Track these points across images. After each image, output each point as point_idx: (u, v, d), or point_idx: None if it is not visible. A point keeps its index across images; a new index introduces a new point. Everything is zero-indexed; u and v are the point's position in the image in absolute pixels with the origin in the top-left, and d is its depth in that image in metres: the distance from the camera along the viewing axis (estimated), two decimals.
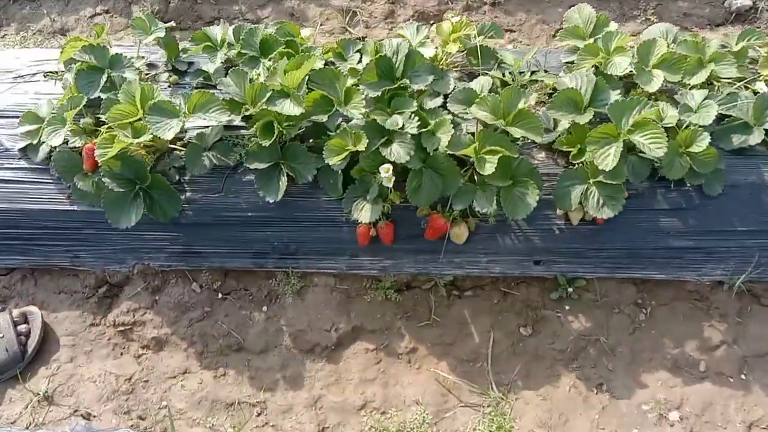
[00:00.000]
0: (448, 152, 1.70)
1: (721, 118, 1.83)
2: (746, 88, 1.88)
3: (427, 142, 1.70)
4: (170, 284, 1.92)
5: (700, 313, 1.86)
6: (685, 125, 1.76)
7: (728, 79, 1.92)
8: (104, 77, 1.90)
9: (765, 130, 1.79)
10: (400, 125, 1.69)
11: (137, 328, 1.88)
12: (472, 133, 1.79)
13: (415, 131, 1.68)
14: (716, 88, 1.92)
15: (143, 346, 1.87)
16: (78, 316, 1.91)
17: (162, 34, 2.02)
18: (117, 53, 1.96)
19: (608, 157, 1.66)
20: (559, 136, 1.81)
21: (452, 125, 1.72)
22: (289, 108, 1.72)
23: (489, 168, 1.65)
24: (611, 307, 1.88)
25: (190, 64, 2.13)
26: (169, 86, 2.04)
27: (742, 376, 1.78)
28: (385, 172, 1.66)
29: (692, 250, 1.83)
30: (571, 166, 1.78)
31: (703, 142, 1.71)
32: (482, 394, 1.75)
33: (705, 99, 1.79)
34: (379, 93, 1.75)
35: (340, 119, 1.85)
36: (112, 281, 1.94)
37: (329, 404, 1.76)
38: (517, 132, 1.71)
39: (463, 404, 1.75)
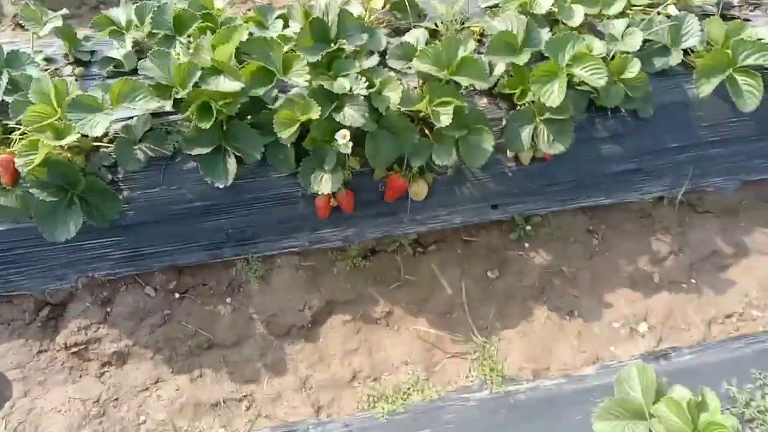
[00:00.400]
0: (402, 110, 1.67)
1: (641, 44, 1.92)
2: (659, 13, 1.98)
3: (378, 102, 1.65)
4: (121, 293, 1.77)
5: (646, 230, 1.98)
6: (612, 53, 1.83)
7: (641, 6, 2.01)
8: (4, 78, 1.68)
9: (682, 50, 1.91)
10: (348, 88, 1.63)
11: (93, 346, 1.73)
12: (415, 88, 1.78)
13: (365, 92, 1.63)
14: (630, 15, 2.01)
15: (104, 363, 1.72)
16: (22, 345, 1.72)
17: (59, 23, 1.82)
18: (13, 50, 1.74)
19: (553, 94, 1.70)
20: (499, 79, 1.83)
21: (399, 82, 1.69)
22: (226, 84, 1.60)
23: (445, 120, 1.64)
24: (567, 238, 1.96)
25: (93, 53, 1.93)
26: (76, 79, 1.84)
27: (692, 280, 1.92)
28: (342, 138, 1.60)
29: (633, 172, 1.93)
30: (516, 108, 1.81)
31: (634, 68, 1.79)
32: (467, 341, 1.78)
33: (628, 27, 1.87)
34: (319, 57, 1.67)
35: (275, 92, 1.77)
36: (54, 301, 1.76)
37: (318, 383, 1.72)
38: (463, 80, 1.70)
39: (450, 355, 1.77)
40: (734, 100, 1.81)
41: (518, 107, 1.79)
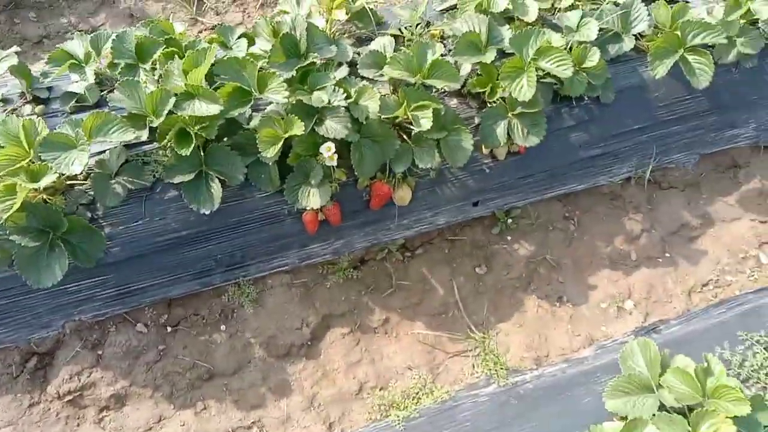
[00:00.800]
0: (382, 117, 1.68)
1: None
2: (607, 2, 2.07)
3: (357, 112, 1.66)
4: (111, 333, 1.70)
5: (618, 211, 2.06)
6: (570, 45, 1.90)
7: None
8: None
9: (633, 36, 2.00)
10: (327, 101, 1.63)
11: (87, 392, 1.66)
12: (387, 95, 1.80)
13: (344, 103, 1.63)
14: (580, 7, 2.09)
15: (102, 408, 1.65)
16: (11, 400, 1.63)
17: (14, 61, 1.74)
18: None
19: (523, 88, 1.75)
20: (467, 79, 1.87)
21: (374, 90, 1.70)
22: (203, 108, 1.57)
23: (425, 123, 1.66)
24: (546, 227, 2.01)
25: (50, 89, 1.86)
26: (38, 117, 1.76)
27: (667, 254, 2.01)
28: (328, 151, 1.60)
29: (601, 157, 2.00)
30: (488, 106, 1.85)
31: (594, 57, 1.86)
32: (466, 339, 1.80)
33: (582, 18, 1.94)
34: (294, 72, 1.67)
35: (249, 111, 1.76)
36: (41, 350, 1.67)
37: (326, 399, 1.70)
38: (436, 83, 1.73)
39: (451, 354, 1.79)
40: (688, 79, 1.91)
41: (490, 104, 1.83)
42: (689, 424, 1.37)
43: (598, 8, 1.99)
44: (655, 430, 1.33)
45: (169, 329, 1.75)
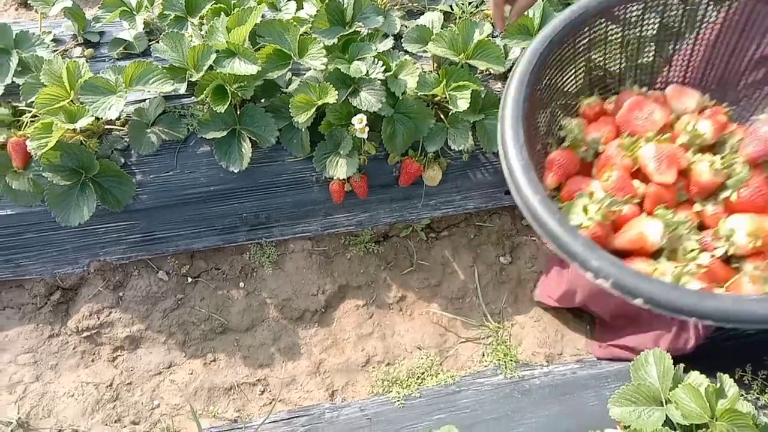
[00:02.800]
0: (419, 94, 1.66)
1: None
2: None
3: (394, 86, 1.63)
4: (133, 277, 1.76)
5: None
6: None
7: None
8: (14, 60, 1.65)
9: None
10: (365, 72, 1.62)
11: (105, 330, 1.72)
12: (430, 72, 1.77)
13: (382, 76, 1.61)
14: None
15: (116, 348, 1.71)
16: (33, 329, 1.71)
17: (69, 2, 1.78)
18: (22, 30, 1.71)
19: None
20: (514, 63, 1.82)
21: (415, 66, 1.67)
22: (241, 67, 1.58)
23: (462, 104, 1.62)
24: None
25: (102, 34, 1.90)
26: (86, 61, 1.81)
27: None
28: (359, 123, 1.59)
29: None
30: None
31: None
32: (480, 326, 1.79)
33: None
34: (335, 40, 1.66)
35: (289, 75, 1.76)
36: (65, 285, 1.74)
37: (332, 367, 1.72)
38: (480, 64, 1.68)
39: (463, 339, 1.78)
40: None
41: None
42: None
43: None
44: None
45: (189, 280, 1.79)
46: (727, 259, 1.04)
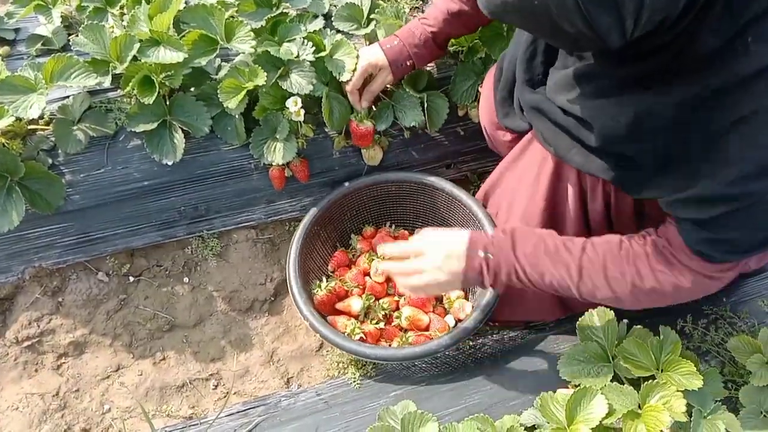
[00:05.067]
0: None
1: None
2: None
3: (331, 65, 1.61)
4: (72, 281, 1.70)
5: None
6: None
7: None
8: None
9: None
10: (295, 53, 1.59)
11: (46, 338, 1.66)
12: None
13: (312, 57, 1.59)
14: None
15: (60, 355, 1.66)
16: None
17: None
18: None
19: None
20: None
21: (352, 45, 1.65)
22: (167, 55, 1.53)
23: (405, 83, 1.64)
24: None
25: (17, 30, 1.82)
26: (3, 60, 1.73)
27: None
28: (294, 106, 1.56)
29: None
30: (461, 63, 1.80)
31: None
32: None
33: None
34: (263, 22, 1.63)
35: (218, 61, 1.72)
36: (0, 295, 1.67)
37: (286, 355, 1.71)
38: None
39: None
40: None
41: (464, 62, 1.79)
42: (639, 396, 1.37)
43: None
44: (604, 399, 1.33)
45: (131, 279, 1.74)
46: (402, 328, 1.65)
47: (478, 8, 1.36)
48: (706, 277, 1.12)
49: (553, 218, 1.40)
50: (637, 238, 1.16)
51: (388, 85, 1.68)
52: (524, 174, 1.41)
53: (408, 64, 1.58)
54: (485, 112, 1.62)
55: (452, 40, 1.77)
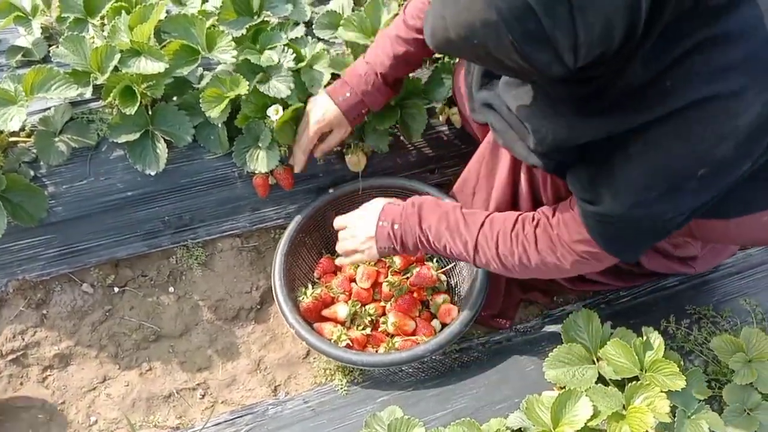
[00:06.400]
0: None
1: None
2: None
3: (307, 77, 1.62)
4: (56, 293, 1.69)
5: None
6: None
7: None
8: None
9: None
10: (276, 61, 1.59)
11: (31, 351, 1.65)
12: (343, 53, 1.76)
13: (293, 65, 1.60)
14: None
15: (46, 368, 1.65)
16: None
17: None
18: None
19: None
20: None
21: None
22: (148, 66, 1.53)
23: None
24: None
25: None
26: None
27: None
28: (275, 114, 1.57)
29: None
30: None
31: None
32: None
33: None
34: (244, 31, 1.63)
35: (200, 71, 1.72)
36: None
37: (273, 362, 1.70)
38: None
39: None
40: None
41: (438, 62, 1.79)
42: (624, 397, 1.38)
43: None
44: (589, 401, 1.34)
45: (116, 290, 1.73)
46: (388, 334, 1.65)
47: (422, 46, 1.47)
48: (585, 261, 1.22)
49: (514, 207, 1.45)
50: (529, 221, 1.27)
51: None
52: (488, 166, 1.48)
53: (364, 111, 1.57)
54: (458, 101, 1.64)
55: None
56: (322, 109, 1.54)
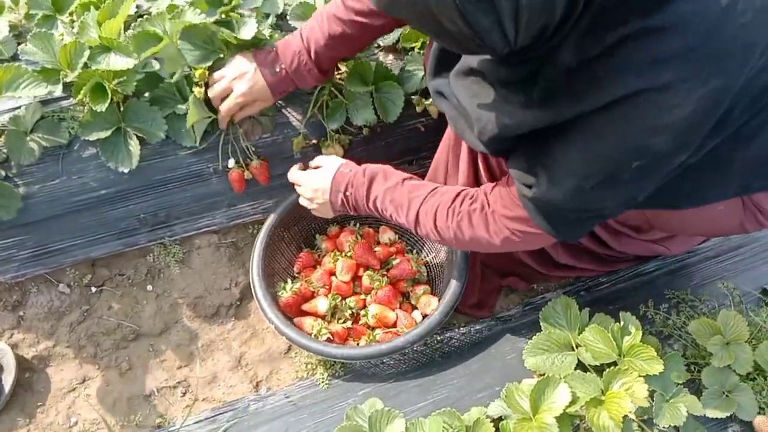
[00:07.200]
0: None
1: None
2: None
3: None
4: (32, 294, 1.67)
5: None
6: None
7: None
8: None
9: None
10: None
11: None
12: None
13: None
14: None
15: (24, 369, 1.63)
16: None
17: None
18: None
19: None
20: (401, 33, 1.82)
21: None
22: (117, 62, 1.52)
23: (353, 78, 1.63)
24: None
25: None
26: None
27: None
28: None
29: None
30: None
31: None
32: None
33: None
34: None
35: None
36: None
37: (254, 358, 1.70)
38: None
39: None
40: None
41: (410, 53, 1.79)
42: (602, 383, 1.39)
43: None
44: (567, 388, 1.34)
45: (93, 290, 1.72)
46: (369, 326, 1.66)
47: (361, 30, 1.47)
48: (517, 238, 1.24)
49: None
50: (468, 197, 1.30)
51: (332, 87, 1.69)
52: (454, 152, 1.51)
53: (290, 89, 1.57)
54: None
55: (402, 36, 1.78)
56: (249, 82, 1.52)
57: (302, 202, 1.56)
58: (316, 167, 1.54)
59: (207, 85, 1.58)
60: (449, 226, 1.30)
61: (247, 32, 1.53)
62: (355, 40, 1.50)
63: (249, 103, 1.56)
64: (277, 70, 1.52)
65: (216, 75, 1.57)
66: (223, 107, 1.57)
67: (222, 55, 1.58)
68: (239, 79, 1.53)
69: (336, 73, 1.70)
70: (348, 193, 1.44)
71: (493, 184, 1.28)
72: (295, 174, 1.57)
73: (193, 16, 1.54)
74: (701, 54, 0.85)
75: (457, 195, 1.31)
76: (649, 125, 0.91)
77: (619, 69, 0.88)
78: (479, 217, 1.26)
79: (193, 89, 1.57)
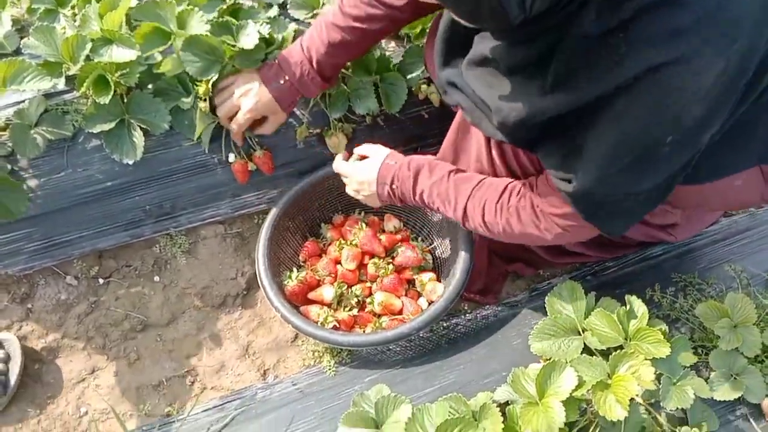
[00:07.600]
0: None
1: None
2: None
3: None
4: (40, 286, 1.68)
5: None
6: None
7: None
8: None
9: None
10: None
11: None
12: None
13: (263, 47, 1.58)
14: None
15: (33, 361, 1.65)
16: None
17: None
18: None
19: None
20: None
21: None
22: (119, 53, 1.52)
23: (356, 68, 1.63)
24: None
25: None
26: None
27: None
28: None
29: None
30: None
31: None
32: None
33: None
34: (216, 13, 1.61)
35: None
36: None
37: (261, 347, 1.71)
38: None
39: None
40: None
41: (413, 43, 1.78)
42: (609, 366, 1.38)
43: None
44: (573, 372, 1.34)
45: (100, 281, 1.73)
46: (375, 313, 1.67)
47: (360, 35, 1.48)
48: (567, 233, 1.23)
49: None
50: (516, 192, 1.29)
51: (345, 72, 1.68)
52: (461, 143, 1.49)
53: (297, 98, 1.59)
54: (435, 80, 1.63)
55: None
56: (255, 97, 1.54)
57: (349, 192, 1.58)
58: (361, 157, 1.55)
59: (211, 100, 1.60)
60: (498, 222, 1.30)
61: (248, 41, 1.54)
62: (354, 46, 1.51)
63: (258, 118, 1.59)
64: (281, 82, 1.53)
65: (221, 85, 1.59)
66: (234, 125, 1.59)
67: (223, 64, 1.58)
68: (245, 96, 1.55)
69: None
70: (394, 187, 1.45)
71: (536, 177, 1.27)
72: (340, 165, 1.58)
73: (198, 26, 1.54)
74: (719, 19, 0.85)
75: (504, 189, 1.30)
76: (676, 98, 0.90)
77: (637, 43, 0.87)
78: (528, 214, 1.25)
79: (198, 104, 1.59)
